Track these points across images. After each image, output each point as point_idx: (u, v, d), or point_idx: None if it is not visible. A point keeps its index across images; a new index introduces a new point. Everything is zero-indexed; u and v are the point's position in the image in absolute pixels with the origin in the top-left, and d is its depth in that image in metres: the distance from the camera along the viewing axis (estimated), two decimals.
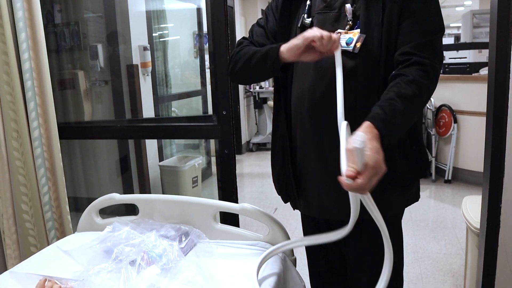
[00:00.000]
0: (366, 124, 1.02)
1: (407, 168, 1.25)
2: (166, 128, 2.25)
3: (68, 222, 2.21)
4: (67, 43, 3.42)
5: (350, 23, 1.21)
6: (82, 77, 3.37)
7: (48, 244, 2.08)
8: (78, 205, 3.04)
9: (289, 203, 1.43)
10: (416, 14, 1.17)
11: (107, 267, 1.26)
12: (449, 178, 4.46)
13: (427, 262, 2.80)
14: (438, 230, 3.30)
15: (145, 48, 3.54)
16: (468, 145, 4.34)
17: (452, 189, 4.31)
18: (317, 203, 1.31)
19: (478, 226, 1.84)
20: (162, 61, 4.22)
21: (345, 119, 1.07)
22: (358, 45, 1.18)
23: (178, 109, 4.53)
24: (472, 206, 2.08)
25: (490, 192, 1.69)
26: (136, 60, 3.52)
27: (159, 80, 4.11)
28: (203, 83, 4.61)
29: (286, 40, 1.24)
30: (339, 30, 1.22)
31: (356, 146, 0.90)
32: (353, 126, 1.04)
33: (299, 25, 1.29)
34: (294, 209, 1.43)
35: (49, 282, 1.09)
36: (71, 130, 2.37)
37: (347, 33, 1.21)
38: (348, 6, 1.21)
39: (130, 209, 1.71)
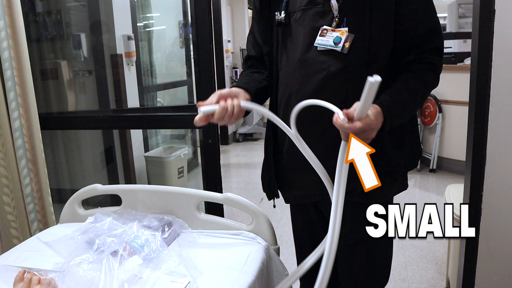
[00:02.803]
0: (374, 107, 1.04)
1: (399, 158, 1.25)
2: (149, 118, 2.22)
3: (51, 214, 2.19)
4: (49, 33, 3.36)
5: (336, 20, 1.15)
6: (65, 67, 3.31)
7: (31, 236, 2.06)
8: (62, 197, 3.01)
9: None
10: (418, 15, 1.15)
11: (89, 258, 1.25)
12: (434, 167, 4.51)
13: (411, 250, 2.83)
14: None
15: (129, 38, 3.50)
16: (452, 135, 4.38)
17: (437, 178, 4.36)
18: (302, 185, 1.29)
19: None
20: (147, 51, 4.18)
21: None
22: (347, 45, 1.13)
23: (164, 99, 4.50)
24: (455, 194, 2.10)
25: (472, 180, 1.70)
26: (120, 49, 3.48)
27: (144, 70, 4.06)
28: (189, 73, 4.57)
29: (268, 39, 1.24)
30: (325, 27, 1.17)
31: (376, 80, 0.89)
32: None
33: (280, 21, 1.24)
34: (286, 203, 1.41)
35: (28, 273, 1.07)
36: (54, 121, 2.33)
37: (334, 30, 1.15)
38: (333, 1, 1.14)
39: (115, 201, 1.69)
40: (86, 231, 1.42)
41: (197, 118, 1.10)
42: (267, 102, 1.36)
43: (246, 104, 1.11)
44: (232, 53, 6.70)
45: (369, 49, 1.13)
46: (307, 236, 1.41)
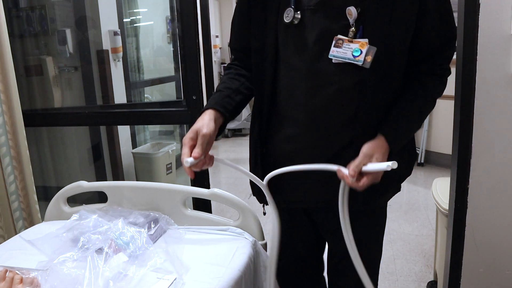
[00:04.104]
0: (380, 139, 1.06)
1: (398, 169, 1.23)
2: (136, 114, 2.20)
3: (36, 212, 2.16)
4: (33, 28, 3.31)
5: (353, 29, 1.03)
6: (51, 63, 3.27)
7: (16, 234, 2.03)
8: (48, 195, 2.97)
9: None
10: (438, 28, 1.10)
11: (73, 256, 1.23)
12: (422, 161, 4.54)
13: (400, 244, 2.85)
14: (411, 212, 3.36)
15: (115, 33, 3.46)
16: (439, 129, 4.41)
17: (425, 172, 4.39)
18: (295, 189, 1.25)
19: (447, 207, 1.87)
20: (134, 46, 4.14)
21: (343, 131, 1.12)
22: (369, 59, 1.02)
23: (152, 95, 4.46)
24: (441, 187, 2.11)
25: (458, 174, 1.71)
26: (106, 45, 3.44)
27: (131, 66, 4.03)
28: (177, 69, 4.54)
29: (259, 41, 1.14)
30: (340, 37, 1.04)
31: (385, 169, 0.97)
32: (354, 137, 1.10)
33: (287, 21, 1.08)
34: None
35: (10, 273, 1.06)
36: (38, 117, 2.30)
37: (351, 41, 1.03)
38: (352, 8, 1.01)
39: (103, 198, 1.67)
40: (71, 228, 1.40)
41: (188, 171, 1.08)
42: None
43: (218, 160, 1.17)
44: (220, 48, 6.67)
45: (387, 63, 1.05)
46: (292, 237, 1.38)
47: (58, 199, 1.70)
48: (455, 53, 1.26)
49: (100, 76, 3.44)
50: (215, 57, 6.23)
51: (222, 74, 6.41)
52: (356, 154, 1.03)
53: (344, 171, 1.00)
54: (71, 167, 3.56)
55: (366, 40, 1.02)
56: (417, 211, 3.38)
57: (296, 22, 1.07)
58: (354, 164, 1.00)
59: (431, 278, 2.36)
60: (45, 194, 3.00)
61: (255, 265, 1.33)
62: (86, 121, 2.37)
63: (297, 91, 1.12)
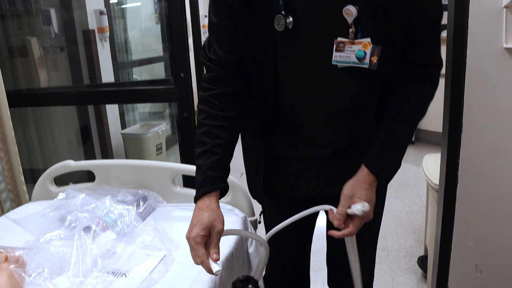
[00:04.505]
0: (362, 173, 0.98)
1: None
2: (123, 92, 2.16)
3: (24, 193, 2.13)
4: (16, 8, 3.23)
5: (353, 29, 0.93)
6: (36, 43, 3.19)
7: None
8: (36, 178, 2.92)
9: None
10: (424, 11, 0.97)
11: (60, 235, 1.21)
12: (413, 139, 4.55)
13: (390, 220, 2.86)
14: (401, 189, 3.37)
15: (101, 13, 3.38)
16: (431, 106, 4.39)
17: (415, 150, 4.40)
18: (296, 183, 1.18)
19: (438, 183, 1.87)
20: (122, 27, 4.06)
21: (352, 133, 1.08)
22: (375, 60, 0.93)
23: (140, 75, 4.40)
24: (432, 163, 2.11)
25: (449, 149, 1.71)
26: (92, 25, 3.36)
27: (118, 46, 3.95)
28: (165, 49, 4.47)
29: (254, 52, 0.99)
30: (340, 39, 0.94)
31: (357, 214, 0.93)
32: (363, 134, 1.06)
33: (280, 29, 0.95)
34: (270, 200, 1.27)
35: None
36: (23, 98, 2.26)
37: (353, 43, 0.94)
38: (351, 7, 0.91)
39: (92, 179, 1.65)
40: (58, 207, 1.38)
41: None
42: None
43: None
44: None
45: (391, 60, 0.97)
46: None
47: (45, 179, 1.68)
48: (445, 33, 1.16)
49: (87, 57, 3.38)
50: (204, 37, 6.14)
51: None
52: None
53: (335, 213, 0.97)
54: (59, 149, 3.52)
55: (369, 40, 0.92)
56: (407, 188, 3.40)
57: (290, 27, 0.95)
58: (337, 213, 0.96)
59: (422, 253, 2.38)
60: (33, 177, 2.96)
61: (246, 241, 1.33)
62: (72, 101, 2.32)
63: (304, 105, 1.04)
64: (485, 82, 1.60)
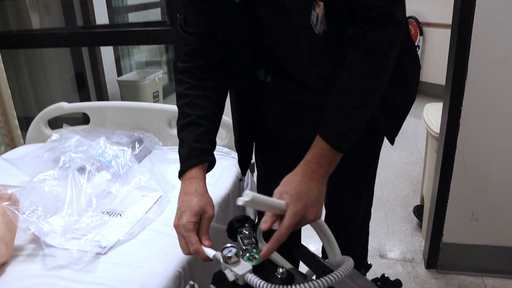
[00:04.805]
0: (302, 163, 0.84)
1: (389, 127, 1.12)
2: (117, 34, 2.08)
3: (18, 137, 2.10)
4: None
5: None
6: None
7: None
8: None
9: None
10: None
11: (54, 175, 1.19)
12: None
13: (388, 171, 2.86)
14: (400, 140, 3.35)
15: None
16: (433, 58, 4.32)
17: (415, 102, 4.34)
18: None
19: (438, 131, 1.84)
20: None
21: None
22: (322, 27, 0.87)
23: (136, 21, 4.27)
24: (433, 112, 2.07)
25: (452, 95, 1.67)
26: None
27: None
28: None
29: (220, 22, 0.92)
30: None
31: (238, 203, 0.74)
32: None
33: None
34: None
35: None
36: (14, 39, 2.18)
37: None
38: None
39: (87, 124, 1.61)
40: (52, 149, 1.36)
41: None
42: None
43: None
44: None
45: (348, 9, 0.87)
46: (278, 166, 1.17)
47: (39, 122, 1.64)
48: None
49: (80, 2, 3.26)
50: None
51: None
52: None
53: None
54: (54, 97, 3.46)
55: (322, 4, 0.84)
56: (406, 139, 3.38)
57: None
58: (265, 215, 0.82)
59: (418, 203, 2.39)
60: (28, 124, 2.93)
61: (242, 183, 1.31)
62: (65, 42, 2.24)
63: (293, 63, 0.98)
64: (493, 29, 1.54)
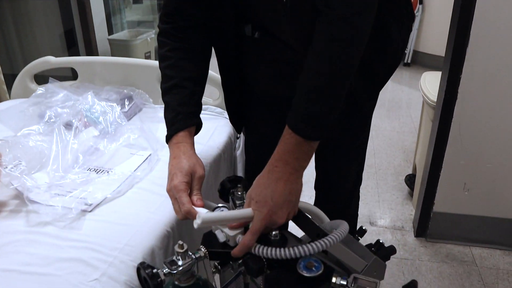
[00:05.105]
0: (271, 161, 0.77)
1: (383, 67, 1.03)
2: None
3: (4, 92, 2.03)
4: None
5: None
6: None
7: None
8: None
9: None
10: None
11: (39, 129, 1.14)
12: (409, 61, 4.43)
13: (381, 139, 2.84)
14: (394, 110, 3.33)
15: None
16: (431, 28, 4.25)
17: (410, 72, 4.30)
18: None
19: (435, 99, 1.81)
20: None
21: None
22: None
23: None
24: (430, 81, 2.03)
25: (452, 62, 1.62)
26: None
27: None
28: None
29: None
30: None
31: (195, 226, 0.71)
32: None
33: None
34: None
35: None
36: None
37: None
38: None
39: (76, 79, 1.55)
40: (37, 103, 1.30)
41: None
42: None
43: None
44: None
45: None
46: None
47: (24, 76, 1.58)
48: None
49: None
50: None
51: None
52: None
53: None
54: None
55: None
56: (400, 109, 3.35)
57: None
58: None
59: (410, 172, 2.38)
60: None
61: (233, 144, 1.27)
62: None
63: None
64: None
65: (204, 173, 0.84)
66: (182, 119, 0.90)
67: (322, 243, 0.68)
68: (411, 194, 2.24)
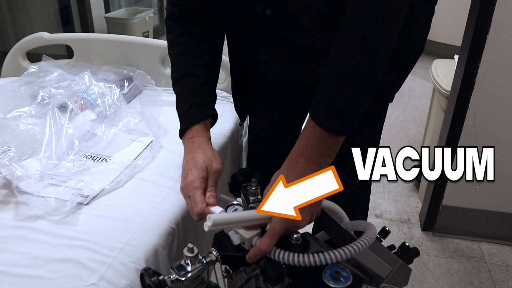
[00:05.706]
0: (291, 155, 0.70)
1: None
2: None
3: None
4: None
5: None
6: None
7: None
8: None
9: None
10: None
11: (30, 111, 1.05)
12: None
13: (384, 128, 2.74)
14: (397, 98, 3.22)
15: None
16: (442, 15, 4.12)
17: (420, 62, 4.21)
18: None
19: (448, 88, 1.73)
20: None
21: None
22: None
23: None
24: (442, 68, 1.95)
25: (471, 50, 1.54)
26: None
27: None
28: None
29: None
30: None
31: (205, 229, 0.62)
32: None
33: None
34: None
35: None
36: None
37: None
38: None
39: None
40: (29, 83, 1.21)
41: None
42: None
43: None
44: None
45: None
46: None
47: (16, 53, 1.48)
48: None
49: None
50: None
51: None
52: None
53: None
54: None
55: None
56: (403, 97, 3.27)
57: None
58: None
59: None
60: None
61: (240, 131, 1.19)
62: None
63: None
64: None
65: (221, 167, 0.77)
66: (196, 111, 0.83)
67: (351, 249, 0.61)
68: (417, 185, 2.17)
